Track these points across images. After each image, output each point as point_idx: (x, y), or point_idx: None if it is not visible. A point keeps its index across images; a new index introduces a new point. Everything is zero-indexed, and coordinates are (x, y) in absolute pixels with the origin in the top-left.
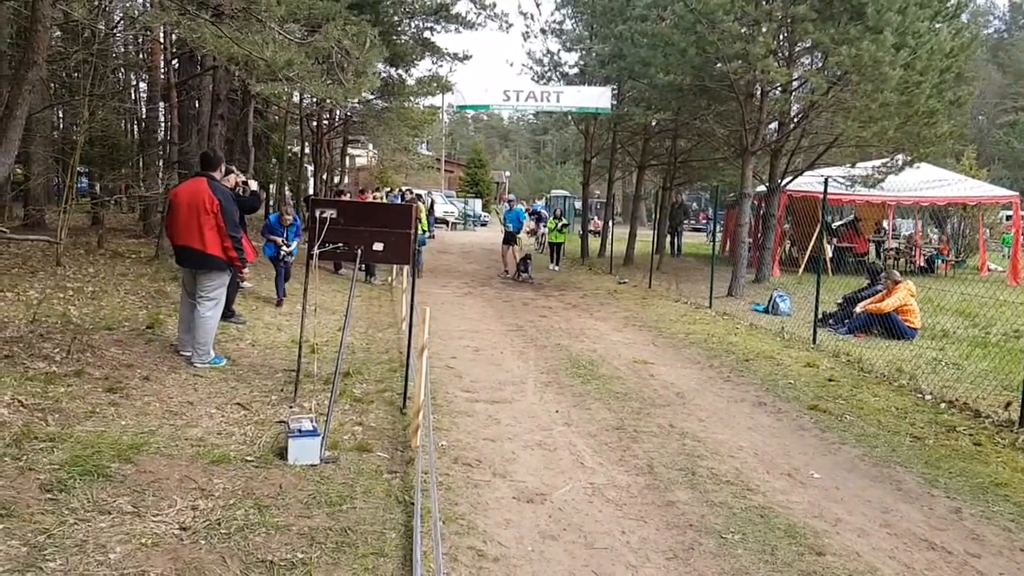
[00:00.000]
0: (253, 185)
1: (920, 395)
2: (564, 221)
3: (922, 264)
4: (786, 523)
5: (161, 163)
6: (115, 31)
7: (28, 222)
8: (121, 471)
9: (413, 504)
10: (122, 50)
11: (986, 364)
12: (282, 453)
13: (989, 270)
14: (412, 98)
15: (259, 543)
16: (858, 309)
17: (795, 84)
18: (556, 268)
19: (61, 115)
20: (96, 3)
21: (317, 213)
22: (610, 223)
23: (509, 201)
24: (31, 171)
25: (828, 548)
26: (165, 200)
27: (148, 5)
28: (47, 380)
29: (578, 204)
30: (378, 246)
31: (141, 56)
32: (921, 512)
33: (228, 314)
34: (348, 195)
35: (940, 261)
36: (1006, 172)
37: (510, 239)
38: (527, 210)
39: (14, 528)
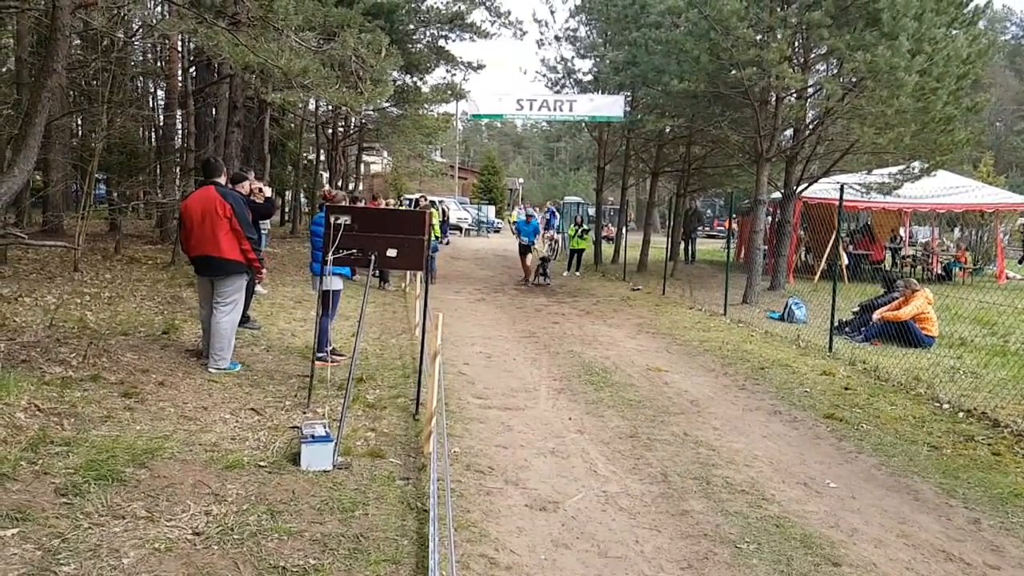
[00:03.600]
0: (267, 191)
1: (938, 404)
2: (585, 227)
3: (939, 272)
4: (802, 533)
5: (178, 170)
6: (133, 39)
7: (46, 228)
8: (135, 476)
9: (426, 511)
10: (140, 58)
11: (1005, 373)
12: (295, 459)
13: (1008, 278)
14: (426, 105)
15: (272, 549)
16: (875, 317)
17: (810, 90)
18: (577, 273)
19: (80, 122)
20: (115, 12)
21: (332, 219)
22: (624, 230)
23: (528, 215)
24: (50, 178)
25: (844, 559)
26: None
27: (166, 13)
28: (63, 385)
29: (592, 211)
30: (392, 252)
31: (159, 64)
32: (939, 523)
33: (243, 319)
34: (363, 202)
35: (957, 269)
36: None
37: (525, 250)
38: (540, 219)
39: (29, 532)
